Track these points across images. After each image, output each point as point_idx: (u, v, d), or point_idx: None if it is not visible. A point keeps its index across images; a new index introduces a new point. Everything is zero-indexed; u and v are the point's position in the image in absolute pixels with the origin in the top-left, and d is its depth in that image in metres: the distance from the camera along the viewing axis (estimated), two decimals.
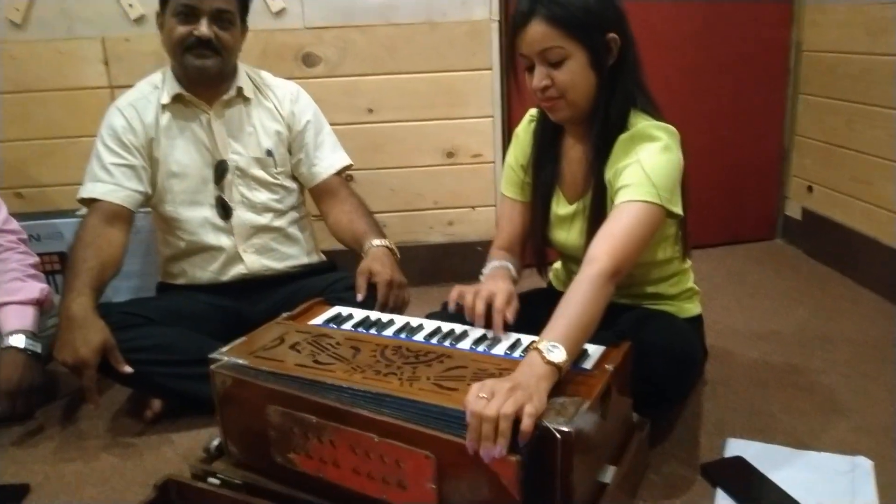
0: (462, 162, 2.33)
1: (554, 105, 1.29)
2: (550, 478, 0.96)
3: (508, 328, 1.22)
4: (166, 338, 1.53)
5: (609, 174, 1.29)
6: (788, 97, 2.51)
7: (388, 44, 2.20)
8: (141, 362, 1.47)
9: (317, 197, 1.80)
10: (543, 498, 0.98)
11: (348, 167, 1.81)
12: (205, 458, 1.26)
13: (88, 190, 1.61)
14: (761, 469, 1.26)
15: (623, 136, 1.27)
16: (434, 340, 1.23)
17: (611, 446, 1.15)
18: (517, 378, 0.98)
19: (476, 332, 1.24)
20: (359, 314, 1.37)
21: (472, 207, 2.39)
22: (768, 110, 2.52)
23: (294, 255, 1.77)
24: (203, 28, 1.54)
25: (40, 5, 2.07)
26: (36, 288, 1.63)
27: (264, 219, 1.71)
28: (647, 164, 1.21)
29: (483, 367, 1.10)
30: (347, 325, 1.32)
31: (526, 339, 1.20)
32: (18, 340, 1.53)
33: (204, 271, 1.70)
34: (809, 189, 2.46)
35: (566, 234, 1.42)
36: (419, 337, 1.25)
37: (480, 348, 1.19)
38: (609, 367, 1.10)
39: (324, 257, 1.87)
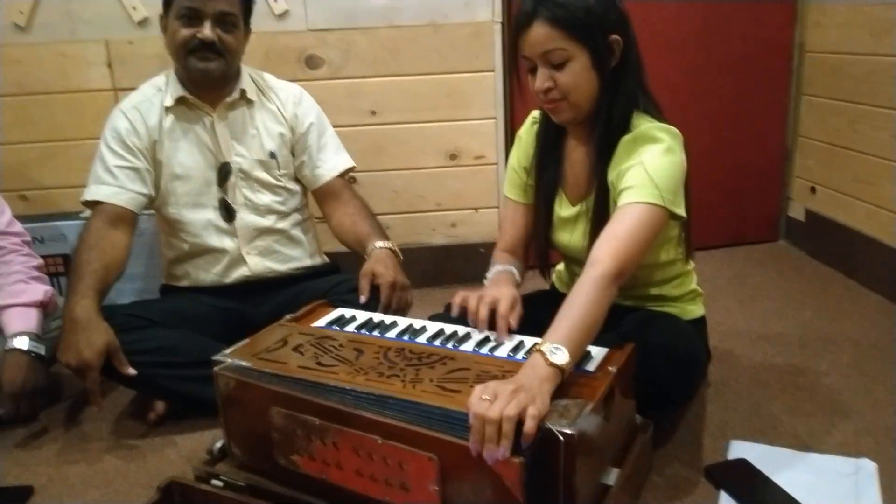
0: (465, 164, 2.33)
1: (556, 107, 1.29)
2: (553, 480, 0.96)
3: (512, 333, 1.23)
4: (170, 340, 1.53)
5: (612, 176, 1.29)
6: (791, 98, 2.50)
7: (391, 46, 2.20)
8: (144, 364, 1.47)
9: (320, 199, 1.80)
10: (546, 500, 0.97)
11: (351, 169, 1.81)
12: (208, 460, 1.26)
13: (92, 192, 1.61)
14: (765, 471, 1.26)
15: (626, 138, 1.27)
16: (437, 342, 1.23)
17: (614, 448, 1.15)
18: (520, 380, 0.98)
19: (479, 335, 1.24)
20: (362, 316, 1.37)
21: (475, 209, 2.39)
22: (771, 111, 2.51)
23: (297, 257, 1.77)
24: (206, 31, 1.54)
25: (44, 8, 2.07)
26: (40, 290, 1.63)
27: (267, 221, 1.71)
28: (650, 165, 1.21)
29: (486, 369, 1.10)
30: (350, 327, 1.32)
31: (529, 341, 1.20)
32: (22, 342, 1.53)
33: (207, 273, 1.71)
34: (813, 190, 2.45)
35: (569, 236, 1.42)
36: (422, 339, 1.25)
37: (483, 350, 1.19)
38: (612, 368, 1.10)
39: (327, 259, 1.87)
